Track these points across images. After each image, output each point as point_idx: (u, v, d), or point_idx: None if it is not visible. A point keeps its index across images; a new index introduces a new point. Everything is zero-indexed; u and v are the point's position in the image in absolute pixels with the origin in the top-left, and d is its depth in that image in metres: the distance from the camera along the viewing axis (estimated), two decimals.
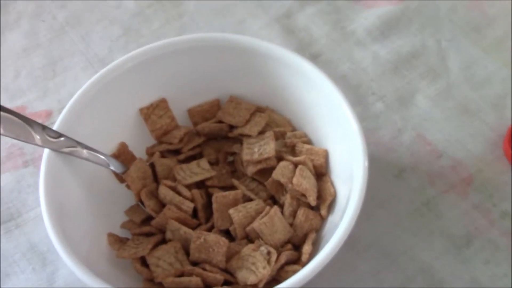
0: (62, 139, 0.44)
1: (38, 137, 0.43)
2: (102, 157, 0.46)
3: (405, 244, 0.50)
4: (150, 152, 0.51)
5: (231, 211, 0.45)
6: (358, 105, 0.57)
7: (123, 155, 0.50)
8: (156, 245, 0.45)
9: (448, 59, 0.60)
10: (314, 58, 0.60)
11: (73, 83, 0.59)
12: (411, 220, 0.51)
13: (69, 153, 0.44)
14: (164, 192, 0.47)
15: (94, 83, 0.47)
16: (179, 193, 0.47)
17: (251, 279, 0.43)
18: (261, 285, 0.43)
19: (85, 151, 0.45)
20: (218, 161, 0.52)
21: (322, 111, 0.49)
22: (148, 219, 0.48)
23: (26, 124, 0.42)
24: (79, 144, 0.45)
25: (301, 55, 0.49)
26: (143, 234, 0.47)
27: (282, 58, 0.49)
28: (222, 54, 0.50)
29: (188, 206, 0.46)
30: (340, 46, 0.61)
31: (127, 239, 0.47)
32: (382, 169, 0.53)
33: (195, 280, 0.42)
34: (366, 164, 0.43)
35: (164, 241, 0.46)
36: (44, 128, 0.43)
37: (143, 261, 0.45)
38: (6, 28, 0.64)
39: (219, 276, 0.43)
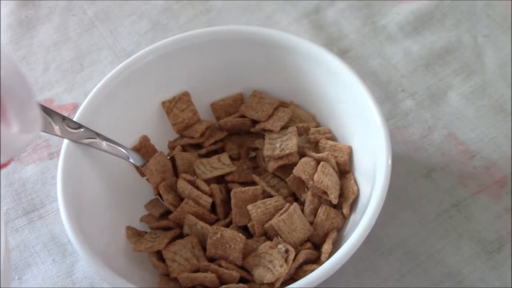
0: (81, 130, 0.44)
1: (57, 127, 0.43)
2: (122, 149, 0.46)
3: (432, 247, 0.47)
4: (172, 146, 0.51)
5: (249, 207, 0.44)
6: (387, 102, 0.55)
7: (144, 148, 0.49)
8: (173, 240, 0.45)
9: (484, 55, 0.57)
10: (343, 53, 0.58)
11: (100, 76, 0.59)
12: (439, 222, 0.48)
13: (89, 145, 0.44)
14: (183, 186, 0.46)
15: (115, 75, 0.47)
16: (197, 188, 0.46)
17: (268, 277, 0.41)
18: (278, 284, 0.41)
19: (104, 142, 0.45)
20: (240, 157, 0.51)
21: (348, 107, 0.47)
22: (167, 213, 0.47)
23: (46, 114, 0.42)
24: (99, 135, 0.45)
25: (328, 50, 0.47)
26: (161, 228, 0.46)
27: (306, 51, 0.47)
28: (245, 47, 0.49)
29: (206, 201, 0.46)
30: (370, 42, 0.59)
31: (146, 232, 0.47)
32: (410, 169, 0.51)
33: (210, 276, 0.42)
34: (390, 162, 0.41)
35: (181, 235, 0.46)
36: (64, 118, 0.43)
37: (160, 256, 0.45)
38: (37, 22, 0.65)
39: (235, 273, 0.42)
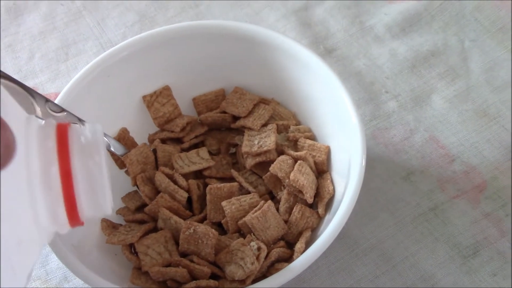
0: (64, 113, 0.43)
1: (39, 109, 0.42)
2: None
3: (408, 250, 0.47)
4: (151, 139, 0.51)
5: (223, 203, 0.44)
6: (370, 103, 0.55)
7: (123, 140, 0.49)
8: (146, 233, 0.45)
9: (470, 59, 0.57)
10: (329, 52, 0.58)
11: (84, 66, 0.58)
12: (416, 225, 0.48)
13: None
14: (160, 179, 0.46)
15: (95, 65, 0.47)
16: (175, 182, 0.46)
17: (239, 274, 0.41)
18: (248, 281, 0.41)
19: None
20: (220, 152, 0.51)
21: (328, 107, 0.47)
22: (143, 207, 0.47)
23: (29, 95, 0.41)
24: (81, 121, 0.44)
25: (312, 48, 0.47)
26: (135, 221, 0.46)
27: (287, 49, 0.47)
28: (227, 43, 0.49)
29: (182, 195, 0.45)
30: (357, 42, 0.59)
31: (121, 225, 0.47)
32: (390, 171, 0.51)
33: (181, 271, 0.41)
34: (364, 162, 0.41)
35: (156, 229, 0.46)
36: (47, 101, 0.42)
37: (133, 249, 0.45)
38: (25, 10, 0.64)
39: (206, 269, 0.42)
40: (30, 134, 0.31)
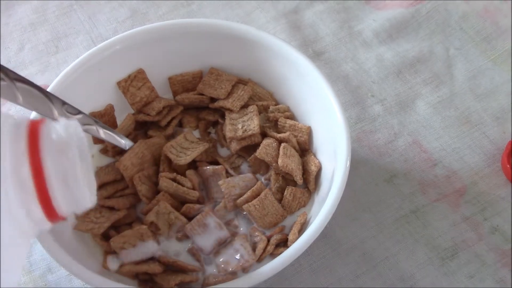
0: (80, 116, 0.43)
1: (56, 112, 0.42)
2: (119, 138, 0.46)
3: (388, 251, 0.48)
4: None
5: (220, 182, 0.45)
6: (356, 106, 0.56)
7: (107, 116, 0.49)
8: (115, 223, 0.45)
9: (454, 67, 0.58)
10: (318, 55, 0.59)
11: (74, 60, 0.59)
12: (397, 227, 0.49)
13: (85, 131, 0.43)
14: (167, 185, 0.46)
15: (85, 59, 0.48)
16: (179, 183, 0.46)
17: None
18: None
19: (101, 130, 0.45)
20: (198, 128, 0.51)
21: (305, 88, 0.48)
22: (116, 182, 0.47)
23: (46, 98, 0.41)
24: (97, 122, 0.44)
25: (301, 51, 0.48)
26: (108, 206, 0.46)
27: (263, 43, 0.48)
28: (207, 38, 0.50)
29: (193, 196, 0.46)
30: (345, 46, 0.60)
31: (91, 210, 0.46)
32: (373, 173, 0.52)
33: (153, 266, 0.42)
34: (348, 163, 0.42)
35: (126, 218, 0.46)
36: (64, 103, 0.42)
37: (104, 234, 0.45)
38: (16, 2, 0.64)
39: (190, 266, 0.43)
40: (3, 134, 0.31)
